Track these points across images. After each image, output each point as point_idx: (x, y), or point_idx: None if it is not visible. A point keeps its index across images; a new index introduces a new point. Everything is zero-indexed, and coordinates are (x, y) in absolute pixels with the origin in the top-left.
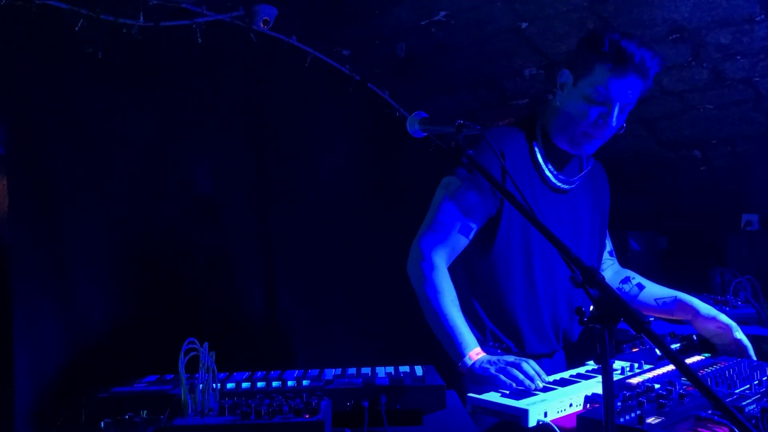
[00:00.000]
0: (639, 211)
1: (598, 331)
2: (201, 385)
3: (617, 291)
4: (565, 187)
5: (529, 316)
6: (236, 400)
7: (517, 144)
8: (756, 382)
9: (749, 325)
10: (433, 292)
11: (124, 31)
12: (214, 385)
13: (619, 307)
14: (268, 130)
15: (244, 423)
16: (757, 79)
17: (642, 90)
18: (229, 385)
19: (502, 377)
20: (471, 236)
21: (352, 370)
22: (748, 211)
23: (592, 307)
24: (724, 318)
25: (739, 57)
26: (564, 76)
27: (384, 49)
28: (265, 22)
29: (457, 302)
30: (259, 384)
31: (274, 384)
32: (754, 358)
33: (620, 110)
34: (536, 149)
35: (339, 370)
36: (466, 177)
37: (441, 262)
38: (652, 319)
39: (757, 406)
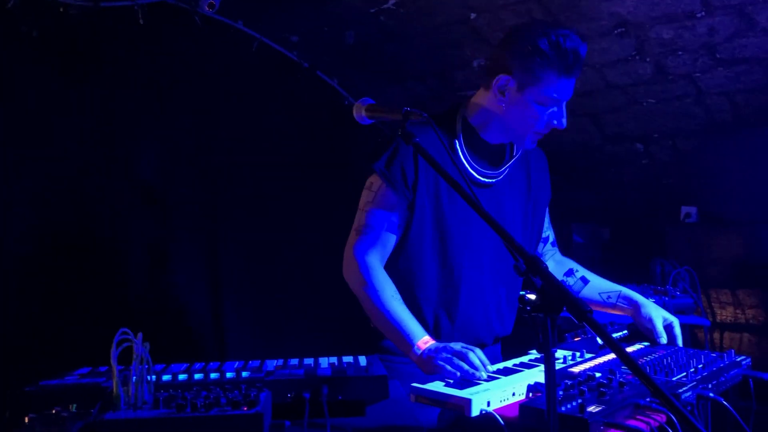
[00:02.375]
0: (583, 203)
1: (541, 320)
2: (134, 377)
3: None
4: (487, 181)
5: (446, 310)
6: (172, 392)
7: (434, 139)
8: (692, 370)
9: (687, 315)
10: (374, 292)
11: (62, 10)
12: (148, 377)
13: (561, 296)
14: (213, 116)
15: (179, 416)
16: (697, 74)
17: None
18: (165, 377)
19: (448, 367)
20: (398, 231)
21: (295, 361)
22: (688, 203)
23: (533, 296)
24: (665, 314)
25: (680, 52)
26: (504, 80)
27: (333, 37)
28: (211, 6)
29: (398, 296)
30: (197, 376)
31: (212, 376)
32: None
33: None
34: (456, 144)
35: (281, 361)
36: (382, 173)
37: (376, 262)
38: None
39: (692, 393)
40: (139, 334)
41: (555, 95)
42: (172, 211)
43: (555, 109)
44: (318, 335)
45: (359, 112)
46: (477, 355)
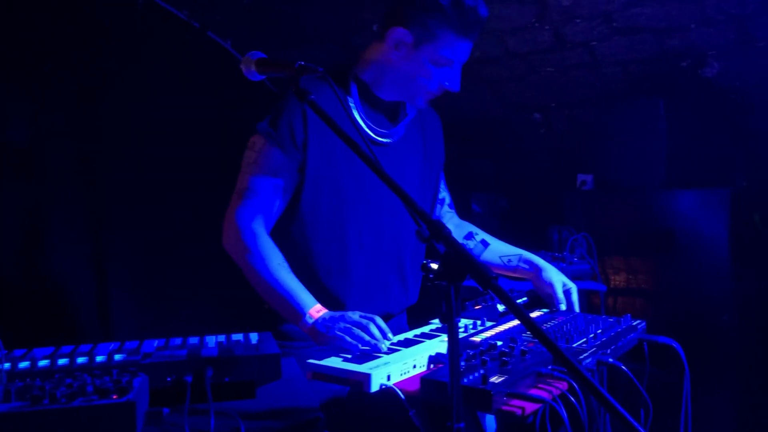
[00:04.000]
0: (482, 173)
1: (444, 288)
2: None
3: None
4: (385, 140)
5: (346, 278)
6: (29, 381)
7: (330, 96)
8: (592, 336)
9: (584, 280)
10: (259, 260)
11: None
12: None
13: (465, 262)
14: (93, 78)
15: (34, 410)
16: (594, 43)
17: None
18: (23, 365)
19: (348, 338)
20: (284, 195)
21: (178, 341)
22: (584, 171)
23: (436, 265)
24: (565, 280)
25: (578, 20)
26: (400, 34)
27: None
28: None
29: (286, 264)
30: (61, 361)
31: (80, 360)
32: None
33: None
34: (350, 102)
35: (162, 341)
36: (267, 133)
37: (260, 229)
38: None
39: (592, 360)
40: None
41: (450, 56)
42: (48, 180)
43: (449, 70)
44: (214, 317)
45: (248, 66)
46: (378, 325)
